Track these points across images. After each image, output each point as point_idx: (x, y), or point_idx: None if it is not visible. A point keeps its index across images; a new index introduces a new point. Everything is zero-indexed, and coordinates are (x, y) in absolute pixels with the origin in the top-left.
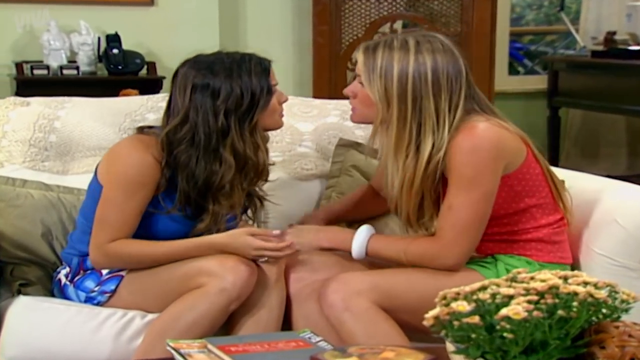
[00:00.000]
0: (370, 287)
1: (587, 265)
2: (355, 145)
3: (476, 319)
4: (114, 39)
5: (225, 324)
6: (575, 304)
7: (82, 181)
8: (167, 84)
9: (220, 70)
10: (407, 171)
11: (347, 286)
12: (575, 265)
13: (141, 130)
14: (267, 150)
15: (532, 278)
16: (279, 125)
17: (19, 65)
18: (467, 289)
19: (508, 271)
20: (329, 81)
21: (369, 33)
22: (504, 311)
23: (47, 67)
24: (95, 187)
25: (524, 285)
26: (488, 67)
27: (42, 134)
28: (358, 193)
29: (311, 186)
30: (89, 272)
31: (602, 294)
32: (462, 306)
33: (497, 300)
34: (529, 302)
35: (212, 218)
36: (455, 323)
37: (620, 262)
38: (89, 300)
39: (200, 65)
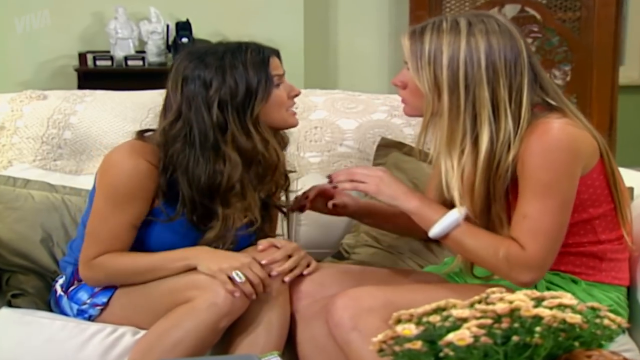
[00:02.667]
0: (383, 304)
1: None
2: (399, 146)
3: (418, 344)
4: (184, 27)
5: (222, 344)
6: (538, 328)
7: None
8: None
9: (212, 60)
10: (465, 168)
11: (358, 302)
12: (635, 288)
13: (140, 134)
14: (280, 149)
15: (501, 299)
16: (288, 123)
17: (82, 56)
18: (420, 310)
19: (549, 290)
20: None
21: None
22: (450, 336)
23: (112, 58)
24: (94, 194)
25: (483, 307)
26: (611, 56)
27: (56, 130)
28: None
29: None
30: (83, 282)
31: (577, 318)
32: (408, 330)
33: (448, 324)
34: (481, 326)
35: (223, 224)
36: (396, 348)
37: None
38: (80, 313)
39: (193, 56)
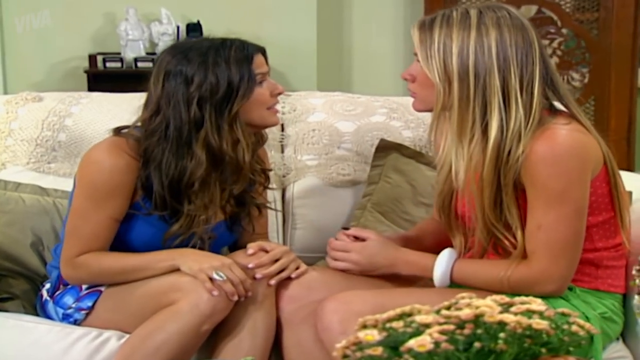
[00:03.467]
0: (373, 308)
1: (635, 292)
2: (398, 147)
3: (379, 350)
4: (194, 28)
5: (206, 348)
6: (502, 334)
7: None
8: None
9: (195, 56)
10: (473, 156)
11: (348, 306)
12: (630, 296)
13: (117, 131)
14: (252, 149)
15: (468, 304)
16: (268, 122)
17: (92, 58)
18: (385, 315)
19: (543, 298)
20: None
21: None
22: (410, 342)
23: (121, 60)
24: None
25: (448, 313)
26: (630, 58)
27: (51, 133)
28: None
29: (346, 194)
30: (69, 287)
31: (543, 324)
32: (371, 336)
33: (410, 330)
34: (443, 332)
35: (186, 219)
36: (357, 354)
37: None
38: (65, 318)
39: (176, 51)
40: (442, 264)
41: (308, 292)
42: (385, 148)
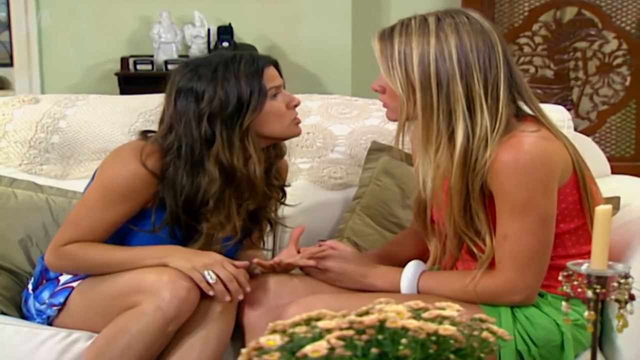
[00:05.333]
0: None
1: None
2: (390, 150)
3: (276, 356)
4: (225, 31)
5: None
6: (404, 340)
7: (79, 185)
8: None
9: (205, 72)
10: (440, 165)
11: (310, 310)
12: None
13: (145, 135)
14: (264, 164)
15: (380, 310)
16: (290, 133)
17: (124, 60)
18: (290, 320)
19: (512, 308)
20: None
21: (528, 23)
22: (307, 348)
23: (152, 62)
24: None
25: (352, 318)
26: None
27: (44, 135)
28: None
29: (337, 197)
30: (49, 281)
31: (451, 330)
32: (272, 341)
33: (311, 335)
34: (342, 337)
35: (206, 239)
36: None
37: None
38: (39, 314)
39: (188, 68)
40: (408, 276)
41: (273, 298)
42: (377, 151)
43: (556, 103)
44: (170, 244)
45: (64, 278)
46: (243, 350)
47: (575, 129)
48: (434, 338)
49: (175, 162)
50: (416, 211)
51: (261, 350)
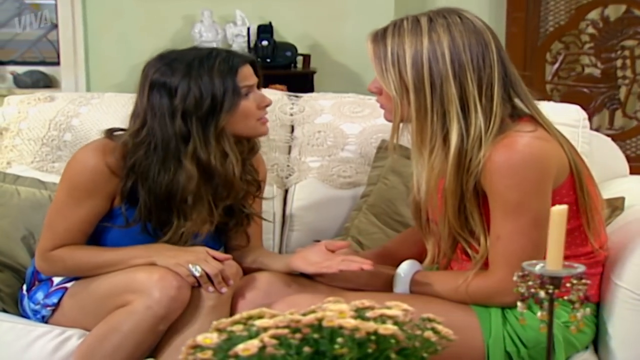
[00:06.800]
0: None
1: (608, 300)
2: (399, 149)
3: (208, 354)
4: (265, 30)
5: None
6: (340, 339)
7: None
8: (318, 78)
9: (179, 67)
10: (435, 167)
11: (295, 308)
12: (603, 305)
13: (110, 133)
14: (240, 161)
15: (324, 309)
16: (257, 133)
17: None
18: (229, 319)
19: (503, 309)
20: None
21: (574, 21)
22: (239, 347)
23: None
24: None
25: (289, 317)
26: None
27: (57, 132)
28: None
29: (346, 196)
30: (43, 282)
31: (391, 329)
32: (209, 339)
33: (247, 334)
34: (275, 336)
35: (174, 233)
36: (190, 358)
37: None
38: (35, 314)
39: (163, 61)
40: (401, 275)
41: (265, 297)
42: (387, 149)
43: (603, 102)
44: (143, 240)
45: (57, 279)
46: (183, 348)
47: (623, 129)
48: (373, 337)
49: (149, 157)
50: (414, 211)
51: (198, 348)
